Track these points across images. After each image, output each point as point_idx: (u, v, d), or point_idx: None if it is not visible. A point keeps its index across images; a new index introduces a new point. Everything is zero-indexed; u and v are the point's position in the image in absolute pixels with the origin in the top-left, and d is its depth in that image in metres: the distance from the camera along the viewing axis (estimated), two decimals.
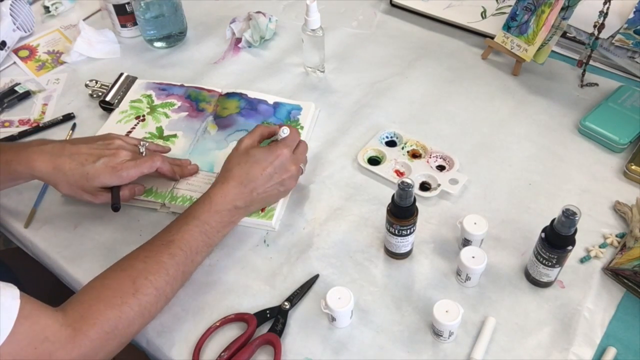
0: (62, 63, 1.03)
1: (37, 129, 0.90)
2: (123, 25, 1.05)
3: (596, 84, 0.91)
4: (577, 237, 0.61)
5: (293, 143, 0.73)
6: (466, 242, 0.70)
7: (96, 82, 0.95)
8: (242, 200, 0.69)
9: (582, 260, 0.69)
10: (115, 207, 0.70)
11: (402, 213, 0.64)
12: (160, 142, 0.85)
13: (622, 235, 0.71)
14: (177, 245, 0.64)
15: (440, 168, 0.81)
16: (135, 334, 0.61)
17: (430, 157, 0.81)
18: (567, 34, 0.96)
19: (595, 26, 0.85)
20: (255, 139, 0.73)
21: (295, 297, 0.67)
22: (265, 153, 0.70)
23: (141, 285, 0.60)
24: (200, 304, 0.68)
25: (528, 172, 0.80)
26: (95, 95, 0.94)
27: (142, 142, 0.76)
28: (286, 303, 0.67)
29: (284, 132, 0.73)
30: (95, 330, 0.56)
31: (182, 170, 0.78)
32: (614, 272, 0.67)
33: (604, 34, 0.88)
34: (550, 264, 0.63)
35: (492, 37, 0.97)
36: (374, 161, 0.83)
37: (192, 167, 0.80)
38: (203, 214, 0.66)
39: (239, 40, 1.04)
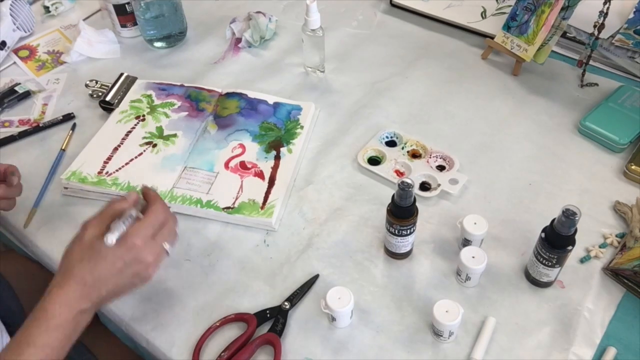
0: (62, 63, 1.03)
1: (37, 129, 0.90)
2: (123, 25, 1.05)
3: (596, 84, 0.91)
4: (577, 237, 0.61)
5: (151, 230, 0.60)
6: (466, 242, 0.70)
7: (96, 82, 0.95)
8: (87, 301, 0.57)
9: (582, 260, 0.69)
10: None
11: (402, 213, 0.64)
12: (161, 142, 0.85)
13: (622, 235, 0.71)
14: None
15: (440, 168, 0.81)
16: None
17: (430, 157, 0.81)
18: (567, 34, 0.96)
19: (595, 26, 0.85)
20: (103, 226, 0.59)
21: (295, 297, 0.67)
22: (114, 247, 0.57)
23: None
24: (200, 304, 0.68)
25: (528, 172, 0.80)
26: (95, 95, 0.94)
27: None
28: (286, 303, 0.67)
29: (132, 215, 0.61)
30: None
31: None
32: (614, 272, 0.67)
33: (604, 34, 0.88)
34: (550, 264, 0.63)
35: (492, 37, 0.97)
36: (374, 161, 0.83)
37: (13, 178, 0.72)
38: (40, 336, 0.54)
39: (239, 40, 1.04)
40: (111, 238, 0.57)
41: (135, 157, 0.83)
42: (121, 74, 0.95)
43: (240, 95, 0.92)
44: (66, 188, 0.80)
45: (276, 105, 0.90)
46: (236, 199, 0.77)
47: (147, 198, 0.64)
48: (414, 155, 0.82)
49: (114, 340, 0.74)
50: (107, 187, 0.78)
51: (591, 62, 0.92)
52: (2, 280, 0.86)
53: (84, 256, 0.57)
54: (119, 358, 0.78)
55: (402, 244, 0.68)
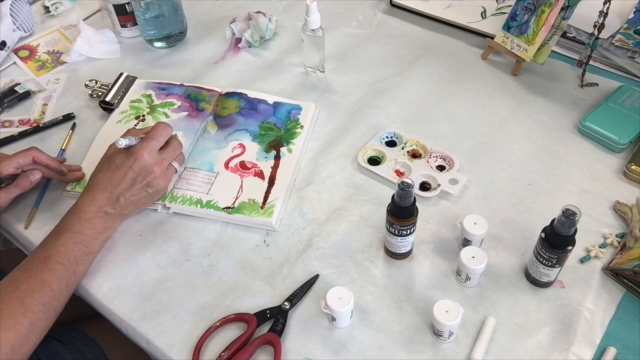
0: (62, 63, 1.03)
1: (37, 129, 0.90)
2: (123, 25, 1.05)
3: (596, 84, 0.91)
4: (577, 237, 0.61)
5: (154, 142, 0.71)
6: (466, 242, 0.70)
7: (96, 82, 0.95)
8: (110, 206, 0.69)
9: (582, 260, 0.69)
10: None
11: (402, 213, 0.64)
12: None
13: (622, 235, 0.71)
14: (55, 259, 0.65)
15: (440, 168, 0.81)
16: (29, 352, 0.62)
17: (430, 157, 0.81)
18: (567, 34, 0.96)
19: (595, 26, 0.85)
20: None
21: (295, 297, 0.67)
22: (124, 157, 0.70)
23: (29, 304, 0.61)
24: (200, 304, 0.68)
25: (528, 172, 0.80)
26: (95, 95, 0.94)
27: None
28: (286, 303, 0.67)
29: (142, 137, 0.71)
30: None
31: (67, 174, 0.78)
32: (614, 272, 0.67)
33: (604, 34, 0.88)
34: (550, 264, 0.63)
35: (492, 37, 0.97)
36: (374, 161, 0.83)
37: (79, 173, 0.80)
38: (74, 225, 0.68)
39: (239, 40, 1.04)
40: (121, 141, 0.69)
41: None
42: (121, 74, 0.95)
43: (240, 95, 0.92)
44: (67, 190, 0.80)
45: (276, 105, 0.90)
46: (236, 198, 0.77)
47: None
48: (414, 155, 0.82)
49: (120, 335, 0.74)
50: None
51: (591, 62, 0.92)
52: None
53: (103, 167, 0.71)
54: (126, 352, 0.78)
55: (402, 244, 0.68)
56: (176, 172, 0.76)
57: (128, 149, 0.71)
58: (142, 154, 0.70)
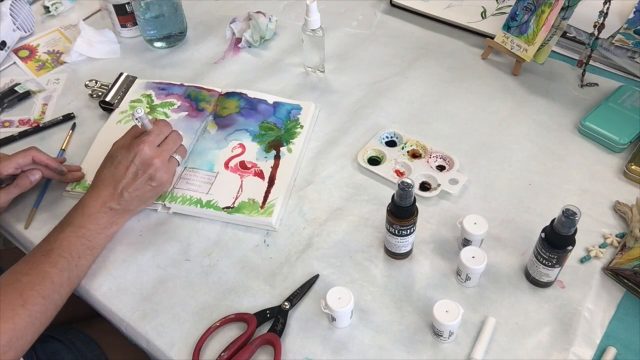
0: (62, 63, 1.03)
1: (37, 129, 0.90)
2: (123, 25, 1.05)
3: (596, 84, 0.91)
4: (577, 237, 0.61)
5: (154, 137, 0.72)
6: (466, 242, 0.70)
7: (96, 82, 0.95)
8: (115, 201, 0.70)
9: (582, 260, 0.69)
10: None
11: (402, 213, 0.64)
12: None
13: (622, 235, 0.71)
14: (57, 253, 0.65)
15: (440, 168, 0.81)
16: (28, 345, 0.62)
17: (430, 157, 0.81)
18: (567, 34, 0.96)
19: (595, 26, 0.85)
20: (127, 140, 0.73)
21: (295, 297, 0.67)
22: (125, 152, 0.71)
23: (29, 296, 0.61)
24: (200, 304, 0.68)
25: (528, 172, 0.80)
26: (95, 95, 0.93)
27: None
28: (286, 303, 0.67)
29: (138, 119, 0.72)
30: None
31: (66, 174, 0.79)
32: (614, 272, 0.67)
33: (604, 34, 0.88)
34: (550, 264, 0.63)
35: (492, 37, 0.97)
36: (374, 161, 0.83)
37: (79, 174, 0.80)
38: (77, 219, 0.68)
39: (239, 40, 1.04)
40: (138, 110, 0.71)
41: None
42: (121, 74, 0.95)
43: (240, 95, 0.92)
44: (67, 190, 0.80)
45: (276, 104, 0.90)
46: (236, 198, 0.77)
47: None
48: (414, 155, 0.82)
49: (120, 335, 0.74)
50: None
51: (591, 62, 0.92)
52: None
53: (107, 164, 0.72)
54: (126, 352, 0.78)
55: (402, 244, 0.68)
56: (178, 164, 0.76)
57: (130, 144, 0.72)
58: (142, 148, 0.70)
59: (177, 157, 0.76)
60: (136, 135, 0.73)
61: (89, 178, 0.80)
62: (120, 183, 0.70)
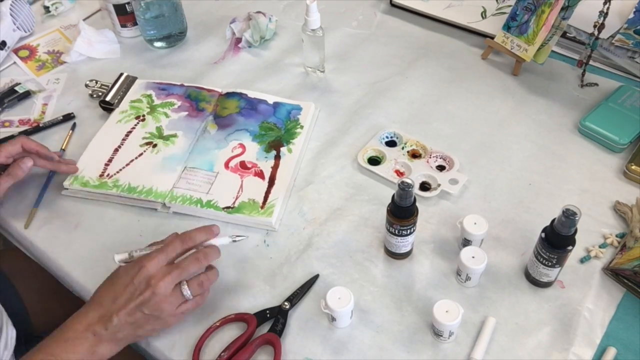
0: (62, 63, 1.03)
1: (37, 129, 0.90)
2: (123, 25, 1.05)
3: (596, 84, 0.91)
4: (577, 237, 0.61)
5: (164, 255, 0.59)
6: (466, 242, 0.70)
7: (96, 82, 0.95)
8: (101, 325, 0.57)
9: (582, 260, 0.69)
10: None
11: (402, 213, 0.64)
12: (161, 142, 0.85)
13: (622, 235, 0.71)
14: None
15: (440, 168, 0.81)
16: None
17: (430, 157, 0.81)
18: (567, 34, 0.96)
19: (595, 26, 0.85)
20: (162, 262, 0.59)
21: (295, 297, 0.67)
22: (128, 268, 0.59)
23: None
24: None
25: (528, 172, 0.80)
26: (95, 95, 0.93)
27: None
28: (286, 303, 0.67)
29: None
30: None
31: (59, 162, 0.77)
32: (614, 272, 0.67)
33: (604, 34, 0.88)
34: (550, 264, 0.63)
35: (492, 37, 0.97)
36: (374, 161, 0.83)
37: (73, 166, 0.79)
38: (50, 345, 0.56)
39: (239, 40, 1.04)
40: (117, 256, 0.61)
41: (136, 158, 0.83)
42: (121, 74, 0.95)
43: (240, 95, 0.92)
44: (66, 189, 0.80)
45: (276, 105, 0.90)
46: (236, 198, 0.77)
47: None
48: (414, 155, 0.82)
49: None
50: (109, 189, 0.78)
51: (591, 62, 0.92)
52: (4, 279, 0.86)
53: (106, 281, 0.61)
54: (124, 354, 0.78)
55: (402, 244, 0.68)
56: (186, 301, 0.61)
57: (136, 259, 0.60)
58: (150, 264, 0.58)
59: (187, 290, 0.60)
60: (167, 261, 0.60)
61: (86, 174, 0.80)
62: (113, 304, 0.58)
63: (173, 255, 0.61)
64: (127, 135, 0.86)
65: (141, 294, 0.58)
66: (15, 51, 1.05)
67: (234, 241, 0.66)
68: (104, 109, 0.92)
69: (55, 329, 0.58)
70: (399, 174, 0.80)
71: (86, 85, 0.95)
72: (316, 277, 0.70)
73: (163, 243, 0.62)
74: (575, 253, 0.70)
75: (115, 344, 0.59)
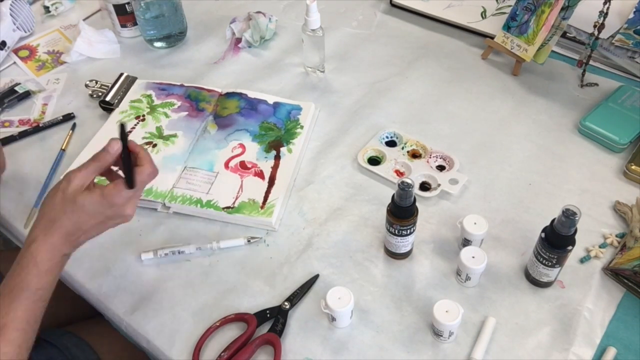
0: (62, 63, 1.03)
1: (37, 129, 0.90)
2: (123, 25, 1.05)
3: (596, 84, 0.91)
4: (577, 237, 0.61)
5: (139, 193, 0.62)
6: (466, 242, 0.70)
7: (96, 82, 0.95)
8: (69, 247, 0.61)
9: (582, 260, 0.69)
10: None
11: (402, 213, 0.64)
12: (161, 142, 0.85)
13: (622, 235, 0.71)
14: (13, 327, 0.56)
15: (440, 168, 0.81)
16: None
17: (430, 157, 0.81)
18: (567, 34, 0.96)
19: (595, 26, 0.85)
20: (87, 181, 0.60)
21: (295, 297, 0.67)
22: (97, 204, 0.59)
23: None
24: (200, 304, 0.68)
25: (528, 172, 0.80)
26: (95, 95, 0.93)
27: None
28: (286, 303, 0.67)
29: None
30: None
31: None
32: (614, 272, 0.67)
33: (604, 34, 0.88)
34: (550, 264, 0.63)
35: (492, 37, 0.97)
36: (374, 161, 0.83)
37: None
38: (32, 280, 0.58)
39: (239, 40, 1.04)
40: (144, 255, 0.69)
41: None
42: (121, 74, 0.95)
43: (240, 95, 0.92)
44: None
45: (276, 105, 0.90)
46: (236, 198, 0.77)
47: (137, 155, 0.62)
48: (414, 155, 0.82)
49: (116, 338, 0.74)
50: None
51: (591, 62, 0.92)
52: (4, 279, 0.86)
53: (66, 208, 0.59)
54: (122, 356, 0.78)
55: (402, 244, 0.68)
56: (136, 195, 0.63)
57: (103, 194, 0.59)
58: (117, 202, 0.60)
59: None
60: (100, 169, 0.61)
61: None
62: (81, 231, 0.60)
63: (140, 189, 0.62)
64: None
65: (114, 220, 0.62)
66: (15, 51, 1.05)
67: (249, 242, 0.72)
68: (104, 109, 0.92)
69: (21, 260, 0.59)
70: (399, 174, 0.80)
71: (86, 85, 0.95)
72: (316, 277, 0.70)
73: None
74: (575, 253, 0.70)
75: (76, 249, 0.63)
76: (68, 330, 0.80)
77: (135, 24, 1.04)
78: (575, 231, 0.60)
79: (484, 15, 1.04)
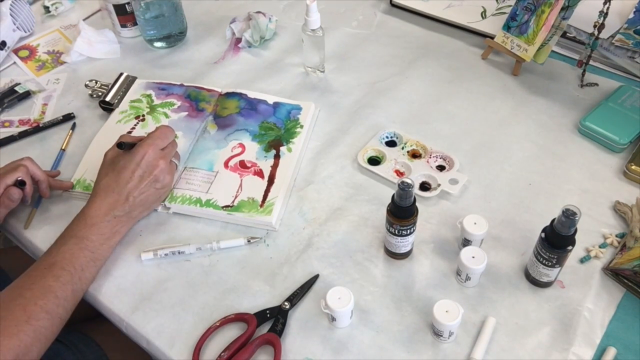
0: (62, 63, 1.03)
1: (37, 129, 0.90)
2: (123, 25, 1.05)
3: (596, 84, 0.91)
4: (577, 237, 0.61)
5: (159, 140, 0.73)
6: (466, 242, 0.70)
7: (96, 82, 0.95)
8: (119, 208, 0.69)
9: (582, 260, 0.69)
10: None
11: (402, 213, 0.64)
12: None
13: (622, 235, 0.71)
14: (60, 266, 0.64)
15: (440, 168, 0.81)
16: None
17: (430, 157, 0.81)
18: (567, 34, 0.96)
19: (595, 26, 0.85)
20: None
21: (295, 297, 0.67)
22: (129, 157, 0.70)
23: (32, 311, 0.60)
24: (200, 304, 0.68)
25: (528, 172, 0.80)
26: (95, 95, 0.94)
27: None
28: (286, 303, 0.67)
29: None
30: None
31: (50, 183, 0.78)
32: (614, 272, 0.67)
33: (604, 34, 0.88)
34: (550, 264, 0.63)
35: (492, 37, 0.97)
36: (374, 161, 0.83)
37: (66, 183, 0.79)
38: (80, 230, 0.67)
39: (239, 40, 1.04)
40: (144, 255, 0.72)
41: None
42: (121, 74, 0.95)
43: (240, 95, 0.92)
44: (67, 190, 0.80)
45: (276, 105, 0.90)
46: (235, 197, 0.77)
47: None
48: (414, 155, 0.82)
49: (122, 336, 0.74)
50: None
51: (591, 62, 0.92)
52: (5, 277, 0.86)
53: (108, 171, 0.71)
54: (127, 353, 0.78)
55: (402, 244, 0.68)
56: (177, 168, 0.78)
57: (130, 149, 0.71)
58: (147, 151, 0.71)
59: (176, 161, 0.77)
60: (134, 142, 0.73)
61: (88, 177, 0.80)
62: (125, 187, 0.69)
63: (166, 142, 0.74)
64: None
65: (151, 174, 0.71)
66: (15, 51, 1.05)
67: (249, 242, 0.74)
68: (103, 109, 0.92)
69: (75, 218, 0.69)
70: (399, 174, 0.80)
71: (86, 85, 0.95)
72: (316, 277, 0.70)
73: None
74: (575, 253, 0.70)
75: (131, 222, 0.72)
76: (74, 328, 0.80)
77: (135, 24, 1.04)
78: (575, 231, 0.60)
79: (484, 15, 1.04)
